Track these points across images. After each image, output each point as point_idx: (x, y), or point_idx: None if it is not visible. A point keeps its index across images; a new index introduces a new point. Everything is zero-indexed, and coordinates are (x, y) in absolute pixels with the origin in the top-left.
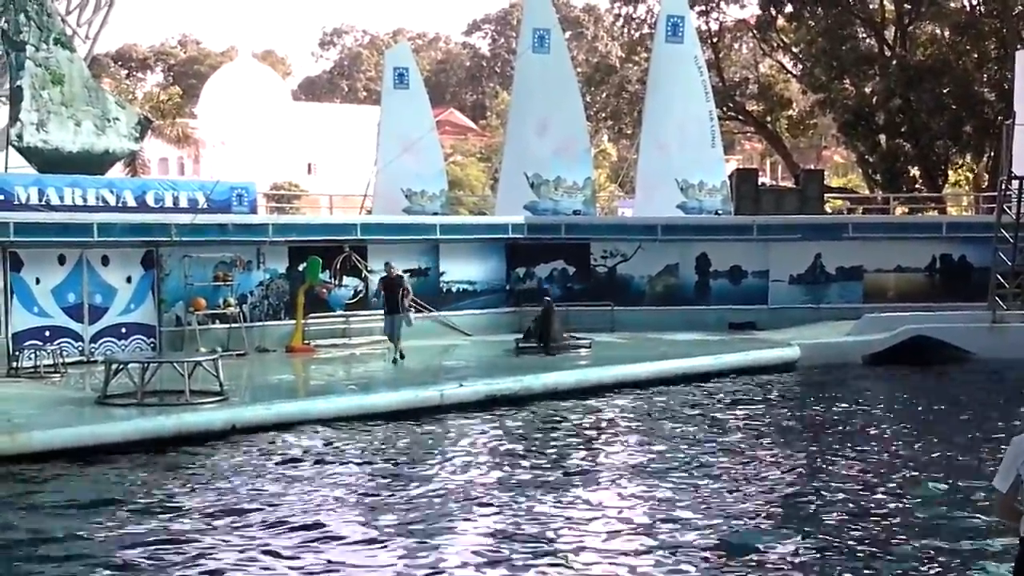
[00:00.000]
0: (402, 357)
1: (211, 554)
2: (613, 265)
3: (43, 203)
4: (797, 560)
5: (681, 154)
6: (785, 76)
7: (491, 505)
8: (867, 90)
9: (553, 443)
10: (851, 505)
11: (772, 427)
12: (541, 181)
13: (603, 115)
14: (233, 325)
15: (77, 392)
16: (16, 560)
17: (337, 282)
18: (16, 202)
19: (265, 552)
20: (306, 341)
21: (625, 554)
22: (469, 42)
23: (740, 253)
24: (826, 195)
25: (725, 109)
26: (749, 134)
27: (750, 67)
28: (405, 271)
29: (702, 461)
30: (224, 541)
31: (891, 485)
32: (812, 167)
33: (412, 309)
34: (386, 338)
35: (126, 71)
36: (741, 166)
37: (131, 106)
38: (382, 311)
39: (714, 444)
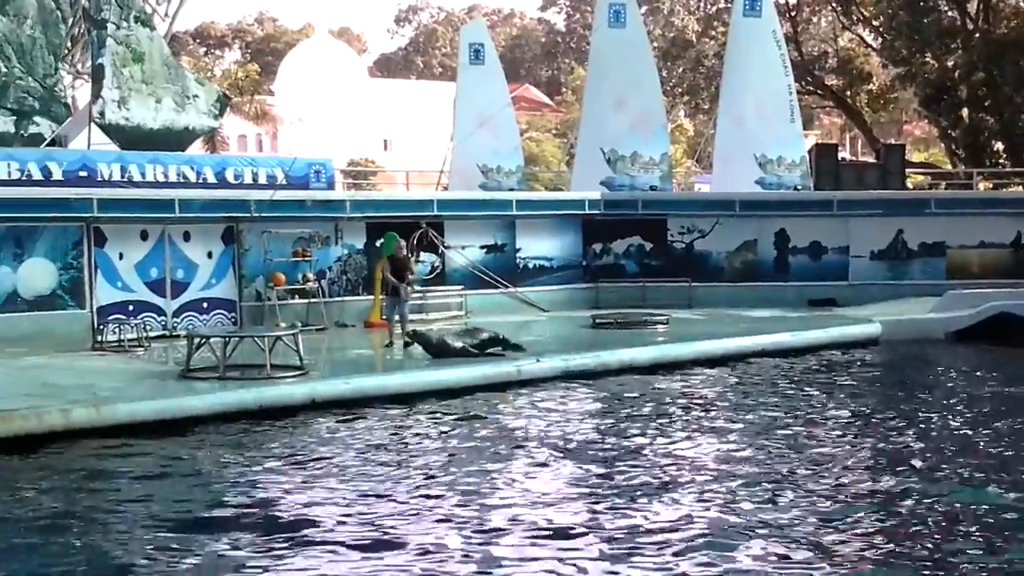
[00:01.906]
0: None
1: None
2: (690, 241)
3: (125, 179)
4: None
5: (759, 129)
6: (865, 50)
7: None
8: (949, 64)
9: (629, 419)
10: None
11: (852, 404)
12: (617, 156)
13: (679, 90)
14: (312, 300)
15: (160, 366)
16: (115, 520)
17: (414, 258)
18: (99, 179)
19: (365, 520)
20: (383, 316)
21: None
22: (544, 18)
23: (820, 229)
24: (907, 170)
25: (804, 83)
26: (828, 108)
27: (829, 41)
28: (481, 247)
29: (781, 437)
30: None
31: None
32: (893, 142)
33: (411, 288)
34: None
35: (204, 49)
36: (820, 141)
37: (210, 83)
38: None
39: (792, 420)
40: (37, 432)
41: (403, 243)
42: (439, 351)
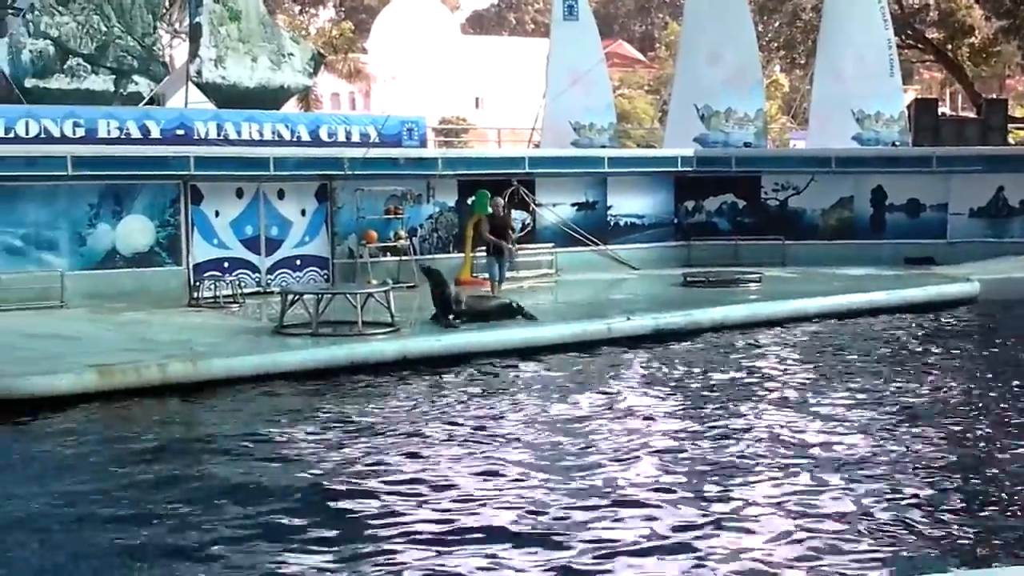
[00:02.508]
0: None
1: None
2: (785, 198)
3: (221, 137)
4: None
5: (857, 84)
6: (967, 2)
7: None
8: None
9: (721, 378)
10: None
11: (950, 363)
12: (711, 113)
13: (776, 44)
14: (403, 258)
15: (255, 322)
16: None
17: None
18: (196, 137)
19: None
20: (475, 274)
21: (794, 493)
22: None
23: (918, 186)
24: (1009, 125)
25: (904, 37)
26: (928, 63)
27: None
28: (572, 204)
29: (877, 397)
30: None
31: None
32: (995, 96)
33: (515, 247)
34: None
35: (299, 7)
36: (920, 96)
37: (305, 41)
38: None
39: (887, 379)
40: (135, 386)
41: (501, 201)
42: (442, 305)
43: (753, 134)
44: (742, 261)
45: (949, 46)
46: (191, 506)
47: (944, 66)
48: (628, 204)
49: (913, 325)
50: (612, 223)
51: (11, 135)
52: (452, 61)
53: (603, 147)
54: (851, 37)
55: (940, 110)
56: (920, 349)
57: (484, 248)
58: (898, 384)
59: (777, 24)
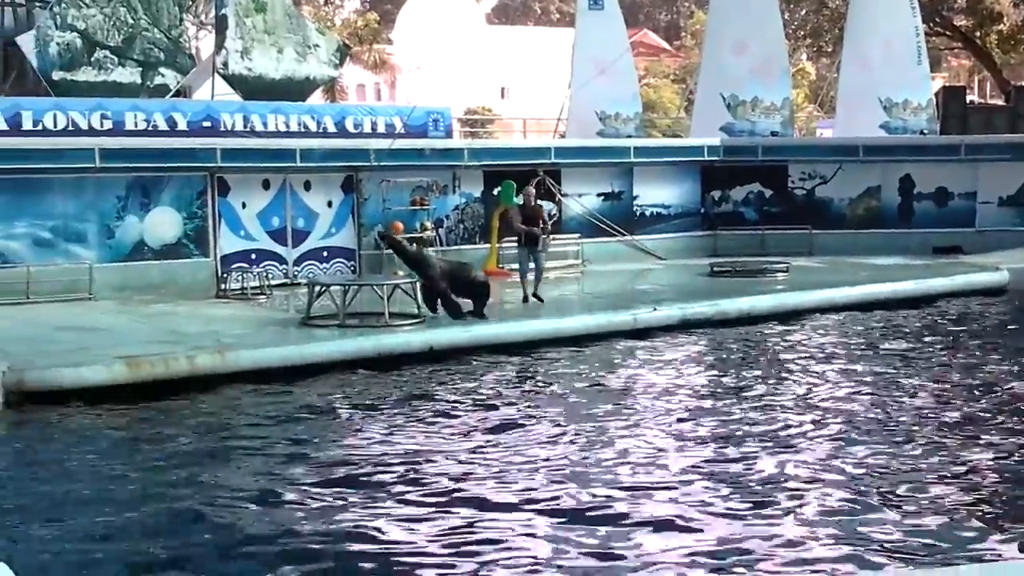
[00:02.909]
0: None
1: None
2: (812, 187)
3: (248, 129)
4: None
5: (885, 72)
6: None
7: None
8: None
9: (748, 369)
10: None
11: (980, 353)
12: (738, 102)
13: (802, 32)
14: (430, 249)
15: (282, 313)
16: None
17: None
18: (222, 128)
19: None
20: (501, 265)
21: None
22: None
23: (946, 174)
24: None
25: (931, 24)
26: (956, 50)
27: None
28: (598, 195)
29: (905, 387)
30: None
31: None
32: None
33: (549, 239)
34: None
35: None
36: (948, 84)
37: (330, 33)
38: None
39: (917, 370)
40: (164, 377)
41: (532, 191)
42: (413, 262)
43: (780, 123)
44: (769, 251)
45: (977, 33)
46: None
47: (972, 53)
48: (654, 194)
49: (940, 315)
50: (638, 213)
51: (39, 128)
52: (477, 51)
53: (629, 137)
54: (878, 25)
55: (968, 98)
56: (942, 341)
57: (516, 239)
58: (912, 372)
59: (804, 12)
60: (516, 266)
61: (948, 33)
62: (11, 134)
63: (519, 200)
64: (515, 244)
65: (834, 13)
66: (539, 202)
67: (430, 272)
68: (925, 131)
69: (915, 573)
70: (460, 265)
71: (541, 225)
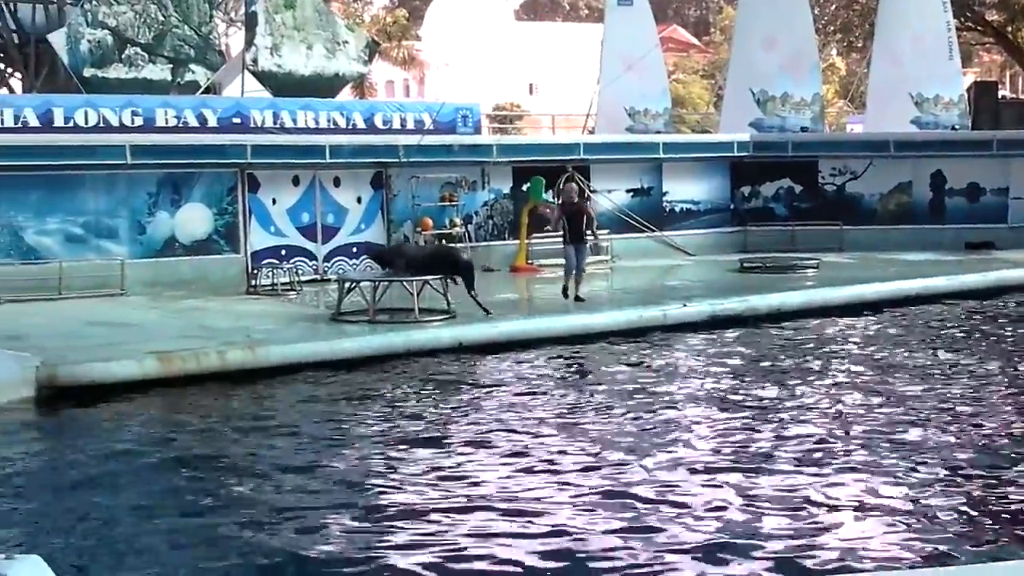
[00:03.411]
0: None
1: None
2: (842, 183)
3: (278, 126)
4: None
5: (916, 67)
6: None
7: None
8: None
9: (776, 366)
10: None
11: (1014, 351)
12: (767, 97)
13: (832, 28)
14: (459, 245)
15: (312, 309)
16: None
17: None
18: (252, 125)
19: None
20: (530, 261)
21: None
22: None
23: (978, 170)
24: None
25: (963, 19)
26: (988, 45)
27: None
28: (628, 191)
29: (939, 387)
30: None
31: None
32: None
33: (595, 236)
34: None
35: None
36: (979, 79)
37: (359, 29)
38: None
39: (949, 368)
40: (195, 372)
41: (575, 187)
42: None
43: (810, 118)
44: (799, 247)
45: (1009, 28)
46: None
47: (1004, 48)
48: (684, 190)
49: (973, 311)
50: (668, 209)
51: (70, 124)
52: (506, 47)
53: (658, 133)
54: (909, 19)
55: (1000, 93)
56: (973, 339)
57: (561, 236)
58: (944, 371)
59: (834, 7)
60: (543, 261)
61: (979, 28)
62: (43, 131)
63: (548, 196)
64: (544, 239)
65: (864, 8)
66: (557, 199)
67: (397, 262)
68: (956, 126)
69: (915, 573)
70: (441, 247)
71: (588, 220)
